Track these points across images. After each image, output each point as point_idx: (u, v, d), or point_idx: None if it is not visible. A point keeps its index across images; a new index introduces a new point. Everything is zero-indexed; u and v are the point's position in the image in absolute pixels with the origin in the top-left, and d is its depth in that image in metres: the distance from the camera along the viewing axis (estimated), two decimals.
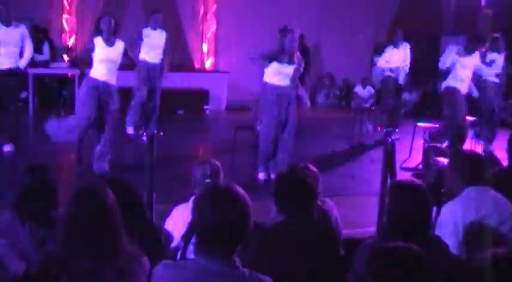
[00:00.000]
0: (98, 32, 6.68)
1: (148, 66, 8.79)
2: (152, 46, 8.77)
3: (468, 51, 8.05)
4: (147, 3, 13.83)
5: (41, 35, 12.04)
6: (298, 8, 14.29)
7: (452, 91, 8.15)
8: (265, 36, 14.45)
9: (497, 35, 8.86)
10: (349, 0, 15.19)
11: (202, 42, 14.30)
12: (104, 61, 6.65)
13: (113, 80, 6.75)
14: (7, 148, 7.47)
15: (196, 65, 14.23)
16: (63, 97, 12.50)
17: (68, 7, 13.14)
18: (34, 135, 8.49)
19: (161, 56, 8.87)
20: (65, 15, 13.17)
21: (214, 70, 13.95)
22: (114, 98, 6.74)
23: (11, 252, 2.75)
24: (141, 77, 8.73)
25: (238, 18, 13.80)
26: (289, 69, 6.78)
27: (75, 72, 11.25)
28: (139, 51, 8.73)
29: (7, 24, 7.32)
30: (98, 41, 6.68)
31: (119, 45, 6.74)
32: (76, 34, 13.28)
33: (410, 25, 14.91)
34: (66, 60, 12.21)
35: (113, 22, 6.64)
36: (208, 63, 14.31)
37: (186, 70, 13.36)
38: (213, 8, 14.11)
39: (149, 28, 8.79)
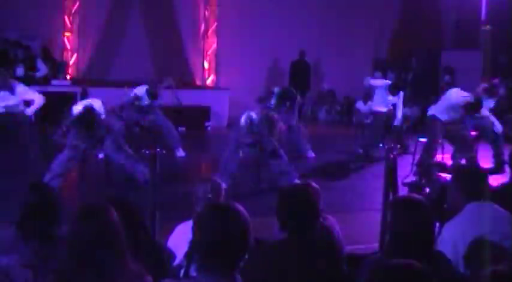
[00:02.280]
0: None
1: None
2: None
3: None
4: (148, 20, 13.96)
5: (31, 53, 12.16)
6: (298, 25, 14.37)
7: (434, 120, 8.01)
8: (266, 53, 14.60)
9: (495, 81, 8.75)
10: (350, 17, 15.28)
11: (203, 60, 14.37)
12: None
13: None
14: None
15: (198, 82, 14.29)
16: (64, 115, 12.53)
17: (69, 25, 13.24)
18: (36, 152, 8.48)
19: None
20: (66, 34, 13.27)
21: (216, 87, 13.99)
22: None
23: (16, 263, 2.74)
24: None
25: (238, 36, 13.87)
26: None
27: (77, 90, 11.29)
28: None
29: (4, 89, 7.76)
30: None
31: None
32: (78, 52, 13.38)
33: (410, 40, 15.02)
34: (67, 78, 12.25)
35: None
36: (209, 80, 14.36)
37: (187, 87, 13.41)
38: (213, 25, 14.19)
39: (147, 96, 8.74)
